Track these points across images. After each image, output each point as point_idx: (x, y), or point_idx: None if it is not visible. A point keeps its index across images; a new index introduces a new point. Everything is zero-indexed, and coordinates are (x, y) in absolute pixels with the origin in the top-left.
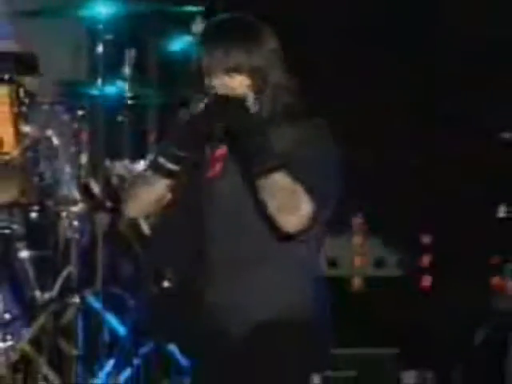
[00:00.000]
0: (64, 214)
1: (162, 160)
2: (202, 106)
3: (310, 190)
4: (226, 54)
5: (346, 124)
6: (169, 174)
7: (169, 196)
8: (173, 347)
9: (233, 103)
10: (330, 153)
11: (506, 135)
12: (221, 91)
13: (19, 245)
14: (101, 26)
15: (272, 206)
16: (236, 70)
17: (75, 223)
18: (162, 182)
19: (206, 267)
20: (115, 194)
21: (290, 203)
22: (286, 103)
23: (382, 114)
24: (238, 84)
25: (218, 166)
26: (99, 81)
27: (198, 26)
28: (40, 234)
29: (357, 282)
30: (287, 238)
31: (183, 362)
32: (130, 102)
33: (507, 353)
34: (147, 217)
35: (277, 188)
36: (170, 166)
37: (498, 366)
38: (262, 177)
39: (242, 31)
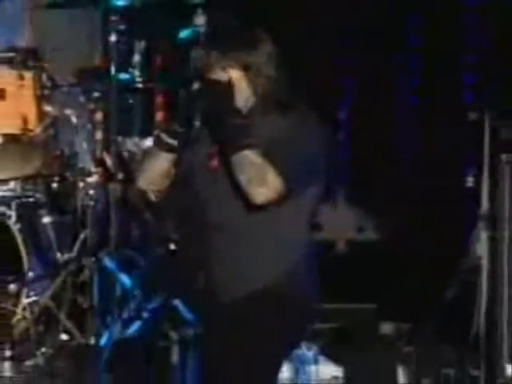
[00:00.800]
0: (81, 184)
1: (163, 136)
2: (196, 87)
3: (282, 169)
4: (223, 55)
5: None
6: (168, 148)
7: (173, 171)
8: (178, 302)
9: (219, 87)
10: (311, 138)
11: (473, 115)
12: (214, 78)
13: (42, 211)
14: (114, 18)
15: (243, 179)
16: (231, 66)
17: (91, 192)
18: (164, 155)
19: (207, 241)
20: (126, 167)
21: (259, 176)
22: (275, 95)
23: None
24: (236, 77)
25: (215, 162)
26: (112, 67)
27: (200, 18)
28: (60, 202)
29: (340, 245)
30: (258, 208)
31: (187, 315)
32: (139, 86)
33: (473, 308)
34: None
35: (247, 163)
36: (170, 140)
37: (466, 320)
38: (235, 153)
39: (238, 36)
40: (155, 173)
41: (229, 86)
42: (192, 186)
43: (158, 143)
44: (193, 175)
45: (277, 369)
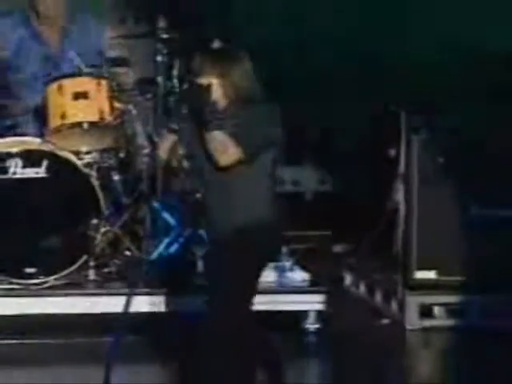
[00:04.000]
0: (138, 154)
1: (168, 123)
2: (186, 89)
3: (239, 142)
4: (209, 67)
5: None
6: (172, 130)
7: (177, 146)
8: (202, 231)
9: (201, 88)
10: (266, 121)
11: (393, 107)
12: (199, 82)
13: (113, 172)
14: (160, 45)
15: (211, 149)
16: (211, 75)
17: (145, 159)
18: (171, 136)
19: (208, 192)
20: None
21: (221, 148)
22: (243, 96)
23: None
24: (214, 81)
25: None
26: (159, 77)
27: (216, 43)
28: (125, 166)
29: (308, 194)
30: (222, 169)
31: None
32: (176, 90)
33: (394, 234)
34: (173, 158)
35: (213, 138)
36: (173, 125)
37: (389, 242)
38: (207, 132)
39: (222, 56)
40: (166, 148)
41: (207, 88)
42: (193, 155)
43: (166, 127)
44: (192, 147)
45: (257, 275)
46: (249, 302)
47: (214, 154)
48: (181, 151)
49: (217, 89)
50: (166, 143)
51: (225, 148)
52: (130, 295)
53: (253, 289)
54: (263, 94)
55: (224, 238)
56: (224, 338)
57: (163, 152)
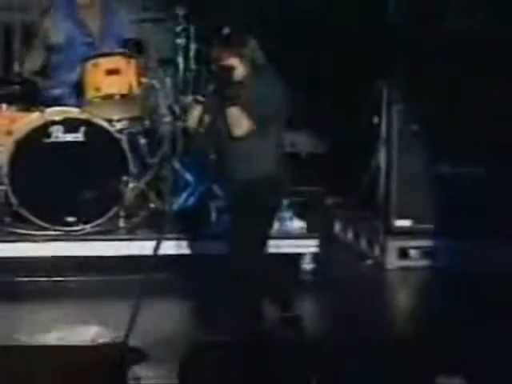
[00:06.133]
0: (161, 122)
1: (197, 96)
2: (215, 71)
3: (252, 116)
4: (228, 50)
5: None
6: (198, 102)
7: (203, 116)
8: (216, 187)
9: (225, 69)
10: (275, 96)
11: (378, 83)
12: (224, 64)
13: (140, 137)
14: (179, 28)
15: (229, 122)
16: (232, 56)
17: (167, 127)
18: (198, 107)
19: (224, 154)
20: (185, 112)
21: (237, 121)
22: (255, 69)
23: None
24: (235, 62)
25: None
26: (179, 57)
27: (226, 29)
28: (150, 132)
29: (303, 154)
30: (238, 139)
31: (221, 194)
32: (192, 67)
33: (377, 189)
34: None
35: (231, 113)
36: (199, 98)
37: (372, 194)
38: (227, 108)
39: (239, 40)
40: (195, 117)
41: (230, 68)
42: (213, 123)
43: (194, 99)
44: (214, 117)
45: (270, 220)
46: (262, 242)
47: (231, 126)
48: (206, 119)
49: (238, 68)
50: (196, 113)
51: (239, 122)
52: (158, 240)
53: (265, 229)
54: (268, 70)
55: (238, 191)
56: (243, 273)
57: (193, 120)
